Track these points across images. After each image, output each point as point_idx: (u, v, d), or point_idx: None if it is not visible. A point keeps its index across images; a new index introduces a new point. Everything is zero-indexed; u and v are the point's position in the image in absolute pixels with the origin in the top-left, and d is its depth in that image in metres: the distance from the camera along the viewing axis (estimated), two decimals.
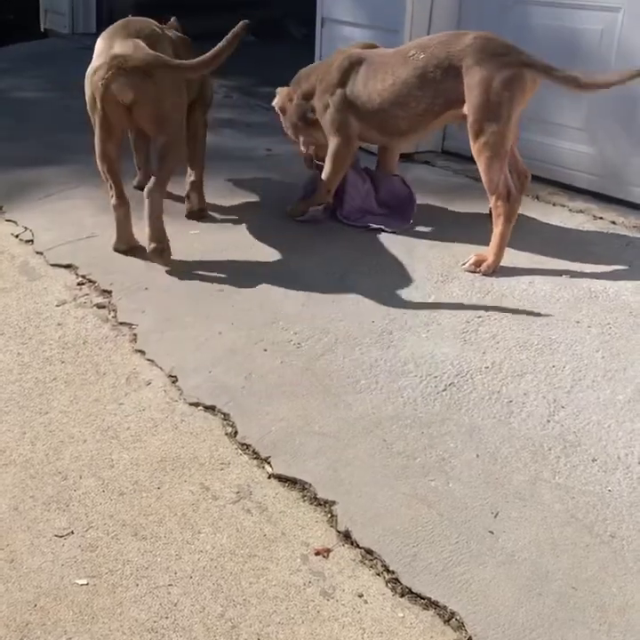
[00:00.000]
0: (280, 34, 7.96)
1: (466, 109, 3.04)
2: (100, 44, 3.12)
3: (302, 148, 3.65)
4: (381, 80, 3.22)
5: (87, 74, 3.06)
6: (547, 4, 3.84)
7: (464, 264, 3.08)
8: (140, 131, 3.40)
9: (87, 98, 3.07)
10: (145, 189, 3.09)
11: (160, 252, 3.07)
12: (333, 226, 3.48)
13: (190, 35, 3.73)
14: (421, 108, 3.16)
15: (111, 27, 3.18)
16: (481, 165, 3.04)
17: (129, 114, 3.02)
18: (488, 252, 3.06)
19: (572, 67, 3.58)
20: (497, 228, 3.03)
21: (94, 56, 3.09)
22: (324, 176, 3.47)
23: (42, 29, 8.48)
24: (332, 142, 3.40)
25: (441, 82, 3.08)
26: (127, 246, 3.24)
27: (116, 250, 3.24)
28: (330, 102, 3.36)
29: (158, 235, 3.07)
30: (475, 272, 3.04)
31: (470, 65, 3.00)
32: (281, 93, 3.60)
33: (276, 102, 3.62)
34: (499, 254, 3.04)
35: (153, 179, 3.11)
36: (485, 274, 3.02)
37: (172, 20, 3.65)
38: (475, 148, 3.04)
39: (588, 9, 3.67)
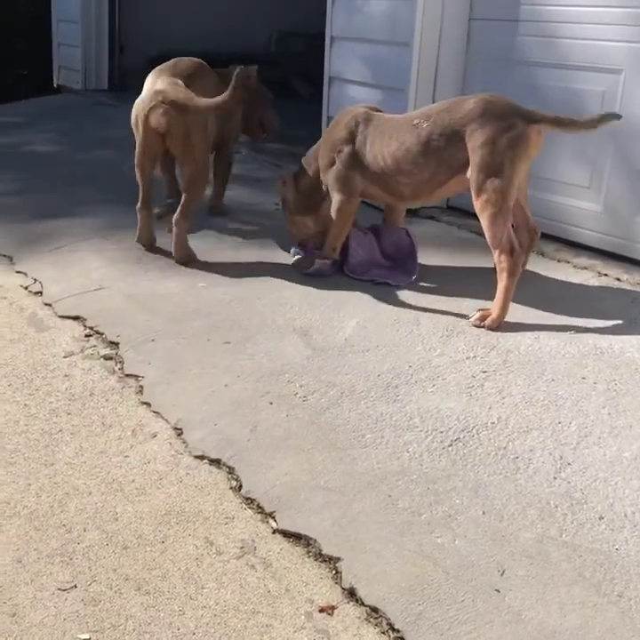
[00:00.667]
0: (288, 92, 8.11)
1: (469, 172, 3.08)
2: (148, 79, 3.65)
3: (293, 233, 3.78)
4: (386, 145, 3.28)
5: (136, 102, 3.63)
6: (549, 65, 3.92)
7: (469, 318, 3.10)
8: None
9: (132, 121, 3.66)
10: (173, 219, 3.65)
11: (185, 263, 3.68)
12: (340, 279, 3.51)
13: None
14: (425, 175, 3.21)
15: (162, 65, 3.71)
16: (484, 221, 3.08)
17: (163, 140, 3.58)
18: (493, 306, 3.08)
19: None
20: (501, 283, 3.05)
21: (144, 89, 3.63)
22: (329, 234, 3.52)
23: (55, 85, 8.67)
24: (336, 199, 3.46)
25: (445, 149, 3.13)
26: (147, 244, 3.82)
27: (138, 241, 3.82)
28: (336, 159, 3.42)
29: (182, 255, 3.69)
30: (480, 326, 3.05)
31: (474, 129, 3.06)
32: (285, 180, 3.69)
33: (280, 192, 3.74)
34: (503, 309, 3.06)
35: (179, 209, 3.64)
36: (490, 328, 3.04)
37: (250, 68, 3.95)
38: (477, 205, 3.08)
39: (590, 70, 3.74)
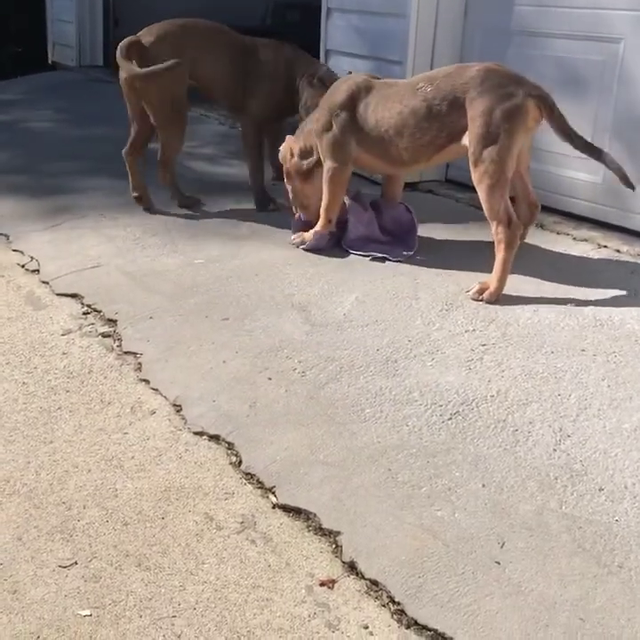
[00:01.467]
0: None
1: (467, 140, 3.06)
2: None
3: (291, 202, 3.71)
4: (389, 108, 3.24)
5: None
6: (548, 35, 3.87)
7: (468, 292, 3.09)
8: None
9: None
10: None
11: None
12: (338, 254, 3.49)
13: None
14: (426, 139, 3.18)
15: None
16: (481, 193, 3.06)
17: (139, 100, 3.92)
18: (490, 279, 3.06)
19: (574, 97, 3.64)
20: (499, 255, 3.03)
21: None
22: (322, 205, 3.49)
23: (49, 62, 8.60)
24: (328, 166, 3.43)
25: (446, 114, 3.11)
26: (139, 193, 4.08)
27: (133, 196, 4.10)
28: (334, 123, 3.38)
29: (173, 192, 4.14)
30: (478, 300, 3.04)
31: (473, 97, 3.03)
32: (286, 144, 3.63)
33: (280, 154, 3.67)
34: (501, 281, 3.04)
35: (158, 156, 4.03)
36: (488, 301, 3.02)
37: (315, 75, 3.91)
38: (475, 177, 3.06)
39: (590, 40, 3.70)
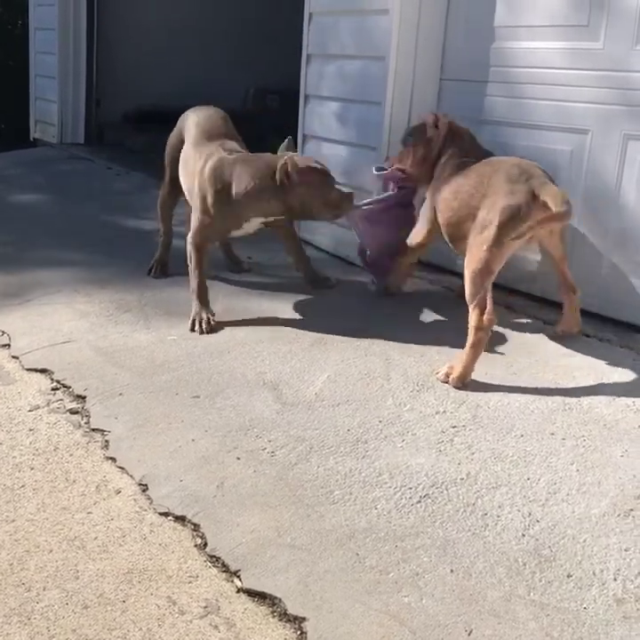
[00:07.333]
0: (263, 148, 8.19)
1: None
2: None
3: None
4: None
5: None
6: (518, 125, 3.98)
7: (437, 374, 3.10)
8: None
9: None
10: None
11: None
12: (312, 336, 3.50)
13: None
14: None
15: None
16: (465, 276, 3.13)
17: None
18: (456, 364, 3.06)
19: None
20: (469, 340, 3.04)
21: None
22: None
23: (31, 138, 8.72)
24: None
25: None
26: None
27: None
28: None
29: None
30: (446, 382, 3.05)
31: (490, 187, 3.22)
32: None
33: None
34: (467, 367, 3.03)
35: None
36: (454, 386, 3.02)
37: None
38: (465, 260, 3.16)
39: (558, 130, 3.81)
